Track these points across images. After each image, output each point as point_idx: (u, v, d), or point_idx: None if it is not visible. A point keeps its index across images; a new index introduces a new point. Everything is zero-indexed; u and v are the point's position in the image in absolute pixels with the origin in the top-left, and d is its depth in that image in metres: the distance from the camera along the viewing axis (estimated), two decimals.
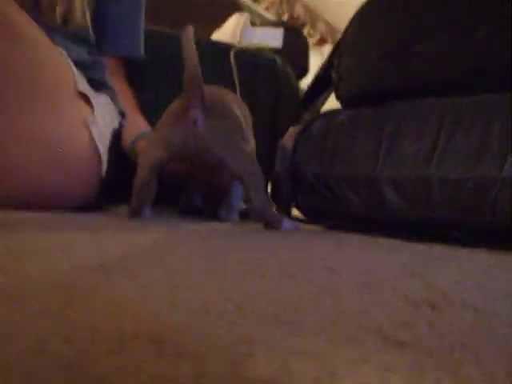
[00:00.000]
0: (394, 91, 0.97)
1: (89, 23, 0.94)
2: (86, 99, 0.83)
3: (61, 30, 0.88)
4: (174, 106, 0.77)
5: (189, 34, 0.70)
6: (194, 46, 0.70)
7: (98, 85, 0.94)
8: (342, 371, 0.17)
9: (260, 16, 3.69)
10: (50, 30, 0.84)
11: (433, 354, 0.20)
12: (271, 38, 1.73)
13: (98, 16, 1.02)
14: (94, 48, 0.98)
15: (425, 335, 0.22)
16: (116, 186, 0.88)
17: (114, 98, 0.99)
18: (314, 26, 4.40)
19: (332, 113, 1.03)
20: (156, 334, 0.19)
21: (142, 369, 0.16)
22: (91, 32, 0.96)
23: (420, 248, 0.71)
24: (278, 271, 0.37)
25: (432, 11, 0.93)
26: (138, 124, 1.02)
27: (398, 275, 0.38)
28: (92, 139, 0.82)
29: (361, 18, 1.10)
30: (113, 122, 0.92)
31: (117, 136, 0.92)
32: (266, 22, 2.50)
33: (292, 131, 1.02)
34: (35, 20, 0.77)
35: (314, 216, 1.08)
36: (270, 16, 3.92)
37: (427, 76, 0.92)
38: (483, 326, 0.25)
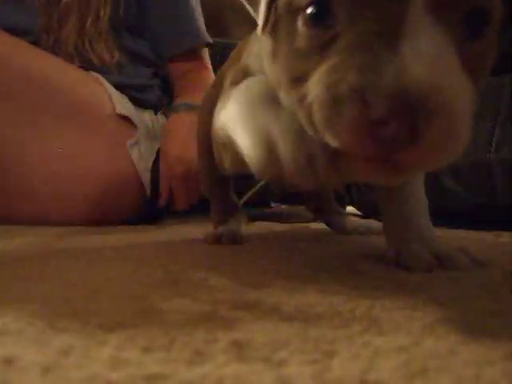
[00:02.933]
0: None
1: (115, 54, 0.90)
2: (129, 120, 0.85)
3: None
4: None
5: None
6: None
7: (150, 105, 0.95)
8: (433, 364, 0.16)
9: None
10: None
11: None
12: None
13: (144, 25, 0.97)
14: (157, 67, 1.00)
15: (503, 328, 0.21)
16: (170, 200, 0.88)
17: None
18: None
19: None
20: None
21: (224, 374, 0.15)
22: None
23: (487, 237, 0.68)
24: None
25: None
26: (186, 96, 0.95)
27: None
28: (131, 161, 0.84)
29: None
30: (160, 140, 0.91)
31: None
32: None
33: None
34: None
35: (369, 210, 1.05)
36: None
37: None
38: None
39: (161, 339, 0.19)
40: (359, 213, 1.11)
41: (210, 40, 1.02)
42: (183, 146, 0.84)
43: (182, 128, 0.87)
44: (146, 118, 0.91)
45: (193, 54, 1.00)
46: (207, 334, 0.19)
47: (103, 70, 0.87)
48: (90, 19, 0.88)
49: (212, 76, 0.99)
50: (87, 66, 0.87)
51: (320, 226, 1.00)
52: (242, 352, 0.17)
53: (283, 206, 1.41)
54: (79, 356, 0.16)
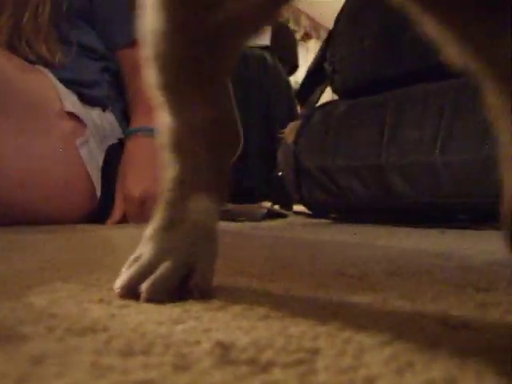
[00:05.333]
0: (390, 79, 0.96)
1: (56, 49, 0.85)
2: (77, 118, 0.82)
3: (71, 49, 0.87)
4: None
5: None
6: None
7: (99, 102, 0.92)
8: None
9: None
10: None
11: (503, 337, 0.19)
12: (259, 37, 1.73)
13: (93, 16, 0.93)
14: (107, 61, 0.95)
15: (479, 319, 0.22)
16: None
17: (117, 112, 0.95)
18: (297, 22, 4.39)
19: (331, 105, 1.03)
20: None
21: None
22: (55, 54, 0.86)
23: (433, 233, 0.71)
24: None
25: None
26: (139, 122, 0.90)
27: (432, 259, 0.38)
28: (81, 161, 0.81)
29: (351, 9, 1.09)
30: (109, 138, 0.89)
31: (115, 152, 0.89)
32: None
33: (293, 126, 1.02)
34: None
35: (319, 210, 1.07)
36: None
37: (420, 61, 0.92)
38: None
39: (139, 343, 0.18)
40: (309, 212, 1.12)
41: None
42: (141, 171, 0.83)
43: (140, 153, 0.85)
44: (94, 116, 0.87)
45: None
46: (187, 335, 0.19)
47: (48, 65, 0.83)
48: (26, 16, 0.83)
49: None
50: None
51: (271, 223, 1.01)
52: (227, 354, 0.17)
53: (231, 205, 1.41)
54: (55, 364, 0.15)
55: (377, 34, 0.99)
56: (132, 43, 0.94)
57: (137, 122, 0.90)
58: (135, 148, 0.87)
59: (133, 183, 0.83)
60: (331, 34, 1.16)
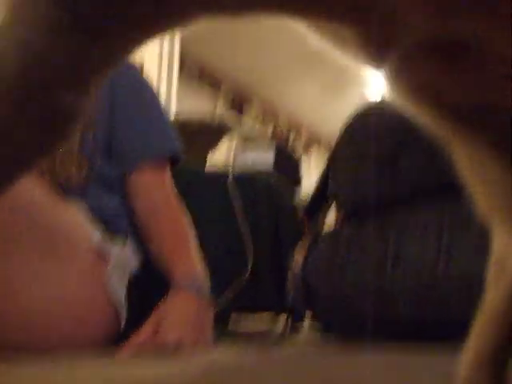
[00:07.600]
0: (389, 202, 1.03)
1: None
2: (102, 254, 0.85)
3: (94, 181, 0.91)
4: None
5: None
6: None
7: (120, 235, 0.94)
8: None
9: (246, 131, 3.89)
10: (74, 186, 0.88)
11: None
12: (263, 161, 1.82)
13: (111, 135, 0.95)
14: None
15: None
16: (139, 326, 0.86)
17: (132, 243, 0.97)
18: (298, 134, 4.60)
19: (336, 230, 1.08)
20: None
21: None
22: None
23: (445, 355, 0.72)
24: None
25: (409, 131, 1.03)
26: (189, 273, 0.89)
27: None
28: (108, 295, 0.83)
29: (350, 134, 1.17)
30: (128, 269, 0.91)
31: (134, 281, 0.91)
32: (253, 137, 2.60)
33: (301, 250, 1.06)
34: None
35: (329, 326, 1.08)
36: (256, 126, 4.07)
37: (414, 187, 1.00)
38: None
39: None
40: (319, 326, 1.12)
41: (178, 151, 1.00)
42: (187, 331, 0.83)
43: (191, 312, 0.85)
44: (116, 249, 0.91)
45: (153, 172, 0.96)
46: None
47: (74, 195, 0.87)
48: None
49: (178, 210, 0.97)
50: (55, 186, 0.85)
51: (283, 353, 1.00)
52: None
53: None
54: None
55: (375, 161, 1.07)
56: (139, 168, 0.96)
57: (181, 272, 0.89)
58: (184, 304, 0.85)
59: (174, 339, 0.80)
60: (331, 157, 1.23)
